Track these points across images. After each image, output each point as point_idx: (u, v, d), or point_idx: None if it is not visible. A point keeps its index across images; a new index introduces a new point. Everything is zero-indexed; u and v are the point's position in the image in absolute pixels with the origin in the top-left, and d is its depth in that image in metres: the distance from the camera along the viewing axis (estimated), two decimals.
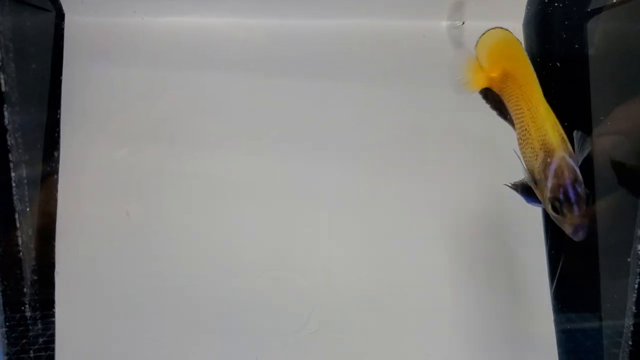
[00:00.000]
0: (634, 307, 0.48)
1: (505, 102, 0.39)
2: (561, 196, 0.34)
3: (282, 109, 0.51)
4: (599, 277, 0.52)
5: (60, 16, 0.49)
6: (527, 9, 0.53)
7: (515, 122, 0.39)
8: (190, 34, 0.51)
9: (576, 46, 0.53)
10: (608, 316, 0.51)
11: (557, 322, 0.50)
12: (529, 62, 0.38)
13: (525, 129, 0.37)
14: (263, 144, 0.51)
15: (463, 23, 0.51)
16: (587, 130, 0.52)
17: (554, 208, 0.34)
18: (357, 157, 0.51)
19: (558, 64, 0.53)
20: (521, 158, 0.38)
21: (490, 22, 0.52)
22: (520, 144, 0.38)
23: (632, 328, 0.48)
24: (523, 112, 0.38)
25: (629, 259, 0.48)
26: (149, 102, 0.50)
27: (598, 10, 0.51)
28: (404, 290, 0.50)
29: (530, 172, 0.37)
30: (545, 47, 0.54)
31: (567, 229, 0.34)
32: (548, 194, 0.34)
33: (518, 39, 0.39)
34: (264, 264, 0.50)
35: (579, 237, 0.34)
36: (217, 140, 0.50)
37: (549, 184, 0.34)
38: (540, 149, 0.36)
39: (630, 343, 0.48)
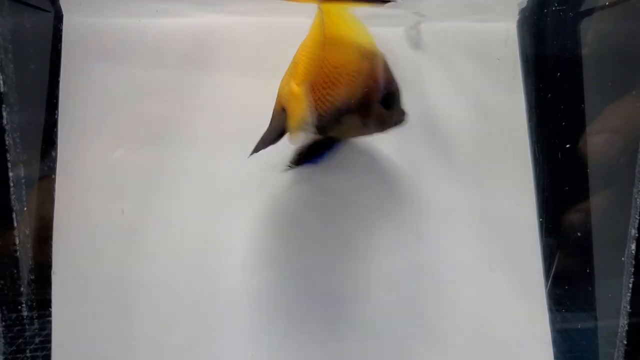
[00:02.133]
0: (628, 307, 0.48)
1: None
2: (394, 86, 0.39)
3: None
4: (594, 277, 0.52)
5: (58, 17, 0.50)
6: (520, 10, 0.53)
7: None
8: (187, 35, 0.51)
9: (569, 46, 0.53)
10: (603, 316, 0.51)
11: (553, 322, 0.50)
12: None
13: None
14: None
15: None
16: (581, 128, 0.52)
17: (389, 101, 0.39)
18: (354, 158, 0.51)
19: (552, 63, 0.53)
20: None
21: (486, 24, 0.53)
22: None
23: (627, 327, 0.48)
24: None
25: (623, 259, 0.48)
26: (145, 102, 0.51)
27: (590, 11, 0.52)
28: (398, 290, 0.50)
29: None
30: (539, 47, 0.54)
31: (391, 123, 0.41)
32: (379, 94, 0.39)
33: None
34: (259, 262, 0.50)
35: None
36: (212, 140, 0.51)
37: (380, 83, 0.39)
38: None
39: (625, 342, 0.48)
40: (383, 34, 0.49)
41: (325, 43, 0.38)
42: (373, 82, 0.40)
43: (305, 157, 0.45)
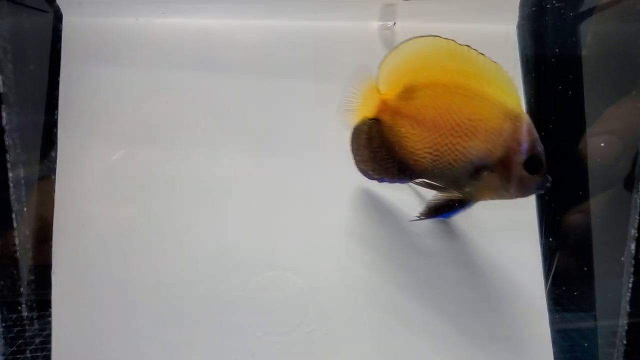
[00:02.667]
0: (628, 307, 0.48)
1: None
2: (538, 150, 0.37)
3: (279, 110, 0.52)
4: (594, 277, 0.52)
5: (58, 17, 0.50)
6: (520, 11, 0.53)
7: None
8: (187, 36, 0.51)
9: (569, 47, 0.53)
10: (603, 316, 0.51)
11: (552, 322, 0.50)
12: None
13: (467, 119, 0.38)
14: (259, 145, 0.51)
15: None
16: (581, 129, 0.52)
17: (532, 164, 0.37)
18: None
19: (552, 64, 0.53)
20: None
21: (486, 25, 0.53)
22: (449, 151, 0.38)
23: (626, 327, 0.48)
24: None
25: (622, 259, 0.48)
26: (146, 103, 0.51)
27: (590, 12, 0.52)
28: (399, 289, 0.50)
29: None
30: (539, 48, 0.54)
31: (535, 186, 0.38)
32: (522, 156, 0.37)
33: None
34: (259, 262, 0.50)
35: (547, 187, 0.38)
36: (213, 141, 0.51)
37: (524, 145, 0.37)
38: (500, 122, 0.37)
39: (625, 342, 0.48)
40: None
41: (465, 94, 0.38)
42: (516, 144, 0.38)
43: (437, 211, 0.44)
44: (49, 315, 0.48)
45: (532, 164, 0.38)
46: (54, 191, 0.48)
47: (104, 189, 0.49)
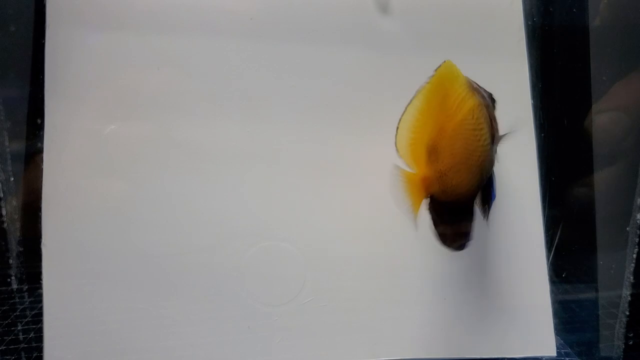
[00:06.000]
0: (632, 277, 0.47)
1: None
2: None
3: (272, 77, 0.50)
4: (597, 248, 0.51)
5: None
6: None
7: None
8: (179, 1, 0.49)
9: (577, 15, 0.52)
10: (605, 287, 0.51)
11: (554, 293, 0.50)
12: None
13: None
14: (255, 115, 0.49)
15: None
16: (586, 99, 0.51)
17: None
18: (350, 124, 0.49)
19: (557, 31, 0.52)
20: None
21: None
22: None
23: (629, 298, 0.48)
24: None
25: (627, 229, 0.47)
26: (137, 70, 0.49)
27: None
28: (398, 259, 0.49)
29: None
30: (545, 13, 0.52)
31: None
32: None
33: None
34: (256, 233, 0.49)
35: None
36: (207, 110, 0.49)
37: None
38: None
39: (627, 313, 0.48)
40: None
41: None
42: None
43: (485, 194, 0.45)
44: (40, 288, 0.47)
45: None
46: (42, 160, 0.47)
47: (95, 159, 0.48)
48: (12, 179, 0.46)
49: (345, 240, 0.49)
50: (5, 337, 0.52)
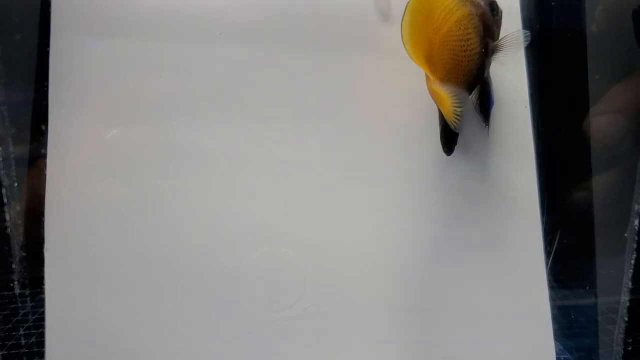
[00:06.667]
0: (630, 283, 0.48)
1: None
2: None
3: (274, 83, 0.50)
4: (595, 254, 0.51)
5: None
6: None
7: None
8: (183, 7, 0.50)
9: (575, 21, 0.52)
10: (603, 293, 0.51)
11: (553, 298, 0.50)
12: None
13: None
14: (256, 120, 0.50)
15: None
16: (584, 104, 0.51)
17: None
18: (352, 130, 0.50)
19: (555, 36, 0.52)
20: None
21: None
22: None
23: (628, 304, 0.48)
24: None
25: (625, 235, 0.47)
26: (139, 77, 0.49)
27: None
28: (399, 264, 0.50)
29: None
30: (543, 18, 0.53)
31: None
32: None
33: None
34: (257, 238, 0.49)
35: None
36: (208, 116, 0.49)
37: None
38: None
39: (626, 319, 0.48)
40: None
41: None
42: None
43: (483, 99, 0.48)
44: (42, 293, 0.47)
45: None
46: (46, 165, 0.47)
47: (98, 164, 0.48)
48: (16, 184, 0.46)
49: (346, 245, 0.49)
50: (6, 342, 0.52)
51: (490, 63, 0.45)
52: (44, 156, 0.47)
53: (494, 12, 0.44)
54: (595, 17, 0.51)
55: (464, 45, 0.42)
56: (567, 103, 0.54)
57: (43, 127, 0.47)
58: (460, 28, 0.41)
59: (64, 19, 0.48)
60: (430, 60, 0.43)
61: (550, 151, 0.52)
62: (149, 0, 0.49)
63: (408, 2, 0.41)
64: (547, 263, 0.50)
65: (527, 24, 0.52)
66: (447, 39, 0.41)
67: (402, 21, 0.42)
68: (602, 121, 0.51)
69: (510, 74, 0.51)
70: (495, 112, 0.51)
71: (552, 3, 0.53)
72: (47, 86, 0.47)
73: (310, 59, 0.50)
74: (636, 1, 0.50)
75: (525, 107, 0.51)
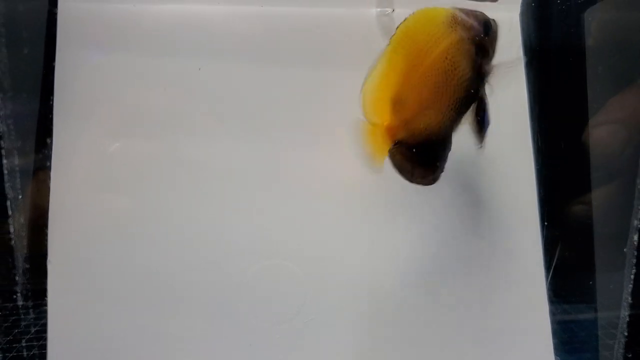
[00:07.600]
0: (630, 298, 0.48)
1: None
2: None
3: (276, 98, 0.51)
4: (595, 269, 0.51)
5: (53, 1, 0.49)
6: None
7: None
8: (185, 22, 0.51)
9: (573, 35, 0.53)
10: (603, 307, 0.51)
11: (553, 313, 0.50)
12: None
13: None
14: (257, 134, 0.50)
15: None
16: (584, 119, 0.52)
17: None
18: (352, 147, 0.50)
19: (555, 52, 0.53)
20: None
21: (488, 12, 0.52)
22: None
23: (627, 319, 0.48)
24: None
25: (625, 250, 0.48)
26: (143, 91, 0.50)
27: (595, 0, 0.51)
28: (398, 279, 0.50)
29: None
30: (543, 36, 0.53)
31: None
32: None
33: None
34: (257, 252, 0.49)
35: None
36: (210, 129, 0.50)
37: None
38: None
39: (626, 334, 0.48)
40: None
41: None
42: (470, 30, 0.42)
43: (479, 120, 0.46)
44: (45, 304, 0.47)
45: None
46: (50, 179, 0.48)
47: (101, 177, 0.49)
48: (21, 196, 0.47)
49: (346, 259, 0.50)
50: (7, 354, 0.52)
51: (486, 82, 0.44)
52: (49, 169, 0.48)
53: (489, 31, 0.43)
54: (592, 31, 0.52)
55: (450, 75, 0.40)
56: (567, 119, 0.54)
57: (48, 140, 0.48)
58: (446, 58, 0.40)
59: (70, 34, 0.49)
60: (398, 101, 0.41)
61: (550, 167, 0.52)
62: (152, 16, 0.50)
63: (392, 35, 0.40)
64: (547, 278, 0.50)
65: (527, 39, 0.53)
66: (429, 73, 0.40)
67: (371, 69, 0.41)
68: (602, 132, 0.51)
69: (510, 87, 0.52)
70: (495, 126, 0.51)
71: (551, 17, 0.54)
72: (52, 100, 0.48)
73: (312, 75, 0.51)
74: (631, 15, 0.50)
75: (525, 123, 0.51)
